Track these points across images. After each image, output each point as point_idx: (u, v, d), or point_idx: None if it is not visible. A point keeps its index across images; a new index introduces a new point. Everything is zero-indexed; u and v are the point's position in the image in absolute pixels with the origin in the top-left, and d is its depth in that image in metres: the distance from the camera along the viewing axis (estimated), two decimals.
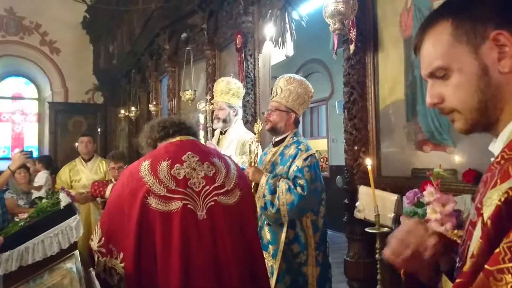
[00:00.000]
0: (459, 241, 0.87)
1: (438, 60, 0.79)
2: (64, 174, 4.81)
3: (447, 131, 2.32)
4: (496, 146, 0.79)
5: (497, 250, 0.59)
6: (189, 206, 1.50)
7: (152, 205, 1.47)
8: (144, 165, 1.55)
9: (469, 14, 0.77)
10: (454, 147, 2.30)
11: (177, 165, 1.55)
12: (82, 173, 4.80)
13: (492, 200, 0.65)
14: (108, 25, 10.21)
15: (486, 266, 0.60)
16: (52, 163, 7.39)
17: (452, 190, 2.04)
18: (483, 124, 0.80)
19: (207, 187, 1.55)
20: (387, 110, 2.74)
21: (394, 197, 2.28)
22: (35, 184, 5.91)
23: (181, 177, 1.53)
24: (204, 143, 2.60)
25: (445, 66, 0.79)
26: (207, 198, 1.54)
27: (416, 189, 1.77)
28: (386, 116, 2.75)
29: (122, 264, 1.46)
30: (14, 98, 12.19)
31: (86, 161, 4.88)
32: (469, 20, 0.76)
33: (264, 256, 2.12)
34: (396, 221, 2.21)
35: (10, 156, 9.42)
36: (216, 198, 1.56)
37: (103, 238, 1.52)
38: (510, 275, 0.57)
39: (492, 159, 0.78)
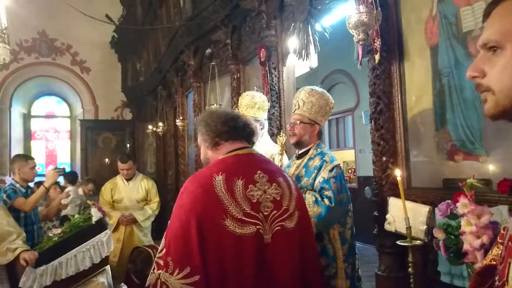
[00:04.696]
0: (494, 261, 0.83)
1: (497, 33, 0.76)
2: (106, 192, 4.73)
3: (479, 140, 2.25)
4: None
5: None
6: (260, 230, 1.51)
7: (229, 227, 1.46)
8: (219, 181, 1.52)
9: None
10: (487, 156, 2.22)
11: (251, 186, 1.55)
12: (124, 192, 4.69)
13: None
14: (135, 43, 10.53)
15: None
16: (77, 179, 7.56)
17: (487, 201, 1.97)
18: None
19: (275, 211, 1.56)
20: (415, 119, 2.69)
21: (425, 208, 2.21)
22: (62, 201, 6.08)
23: (255, 200, 1.53)
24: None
25: (499, 41, 0.75)
26: (274, 223, 1.55)
27: (449, 201, 1.72)
28: (414, 125, 2.69)
29: (189, 279, 1.41)
30: (47, 116, 12.69)
31: (128, 180, 4.74)
32: None
33: None
34: (429, 234, 2.14)
35: (44, 173, 9.75)
36: (282, 223, 1.56)
37: (164, 250, 1.49)
38: None
39: None
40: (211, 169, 1.59)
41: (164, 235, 1.54)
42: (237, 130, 1.70)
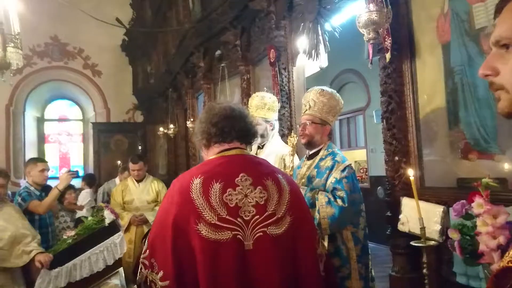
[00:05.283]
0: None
1: (509, 30, 0.74)
2: (117, 194, 4.78)
3: (494, 138, 2.22)
4: None
5: None
6: (238, 236, 1.45)
7: (202, 232, 1.42)
8: (196, 184, 1.49)
9: None
10: (502, 155, 2.18)
11: (230, 189, 1.49)
12: (134, 193, 4.73)
13: None
14: (145, 46, 10.61)
15: None
16: (94, 181, 7.67)
17: (502, 200, 1.92)
18: None
19: (257, 216, 1.49)
20: (427, 118, 2.66)
21: (439, 208, 2.18)
22: (78, 203, 6.16)
23: (232, 205, 1.47)
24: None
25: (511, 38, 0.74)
26: (256, 229, 1.48)
27: (464, 201, 1.69)
28: (427, 124, 2.66)
29: (162, 282, 1.43)
30: (60, 120, 12.85)
31: (138, 181, 4.78)
32: None
33: None
34: (443, 234, 2.11)
35: (58, 175, 9.88)
36: (265, 229, 1.48)
37: (147, 251, 1.51)
38: None
39: None
40: (192, 172, 1.57)
41: (148, 235, 1.56)
42: (226, 132, 1.64)
